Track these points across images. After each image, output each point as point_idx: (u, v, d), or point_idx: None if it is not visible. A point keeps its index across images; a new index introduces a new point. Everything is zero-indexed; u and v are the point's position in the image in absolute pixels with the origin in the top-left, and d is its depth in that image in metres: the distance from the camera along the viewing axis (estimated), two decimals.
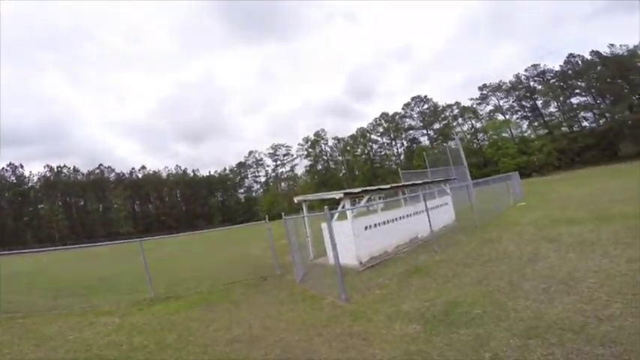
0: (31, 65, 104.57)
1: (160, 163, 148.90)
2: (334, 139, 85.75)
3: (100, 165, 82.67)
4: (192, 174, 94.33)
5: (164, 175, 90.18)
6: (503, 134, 62.94)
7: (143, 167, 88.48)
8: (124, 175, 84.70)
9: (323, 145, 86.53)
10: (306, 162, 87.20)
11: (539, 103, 63.92)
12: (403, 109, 78.83)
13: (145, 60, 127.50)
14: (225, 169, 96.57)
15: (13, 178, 70.73)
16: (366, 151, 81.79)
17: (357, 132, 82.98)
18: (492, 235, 8.97)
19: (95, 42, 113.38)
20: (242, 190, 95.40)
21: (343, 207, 8.31)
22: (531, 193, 20.60)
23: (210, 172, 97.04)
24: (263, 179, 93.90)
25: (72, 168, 78.95)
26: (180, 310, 6.37)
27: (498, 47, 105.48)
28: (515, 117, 66.94)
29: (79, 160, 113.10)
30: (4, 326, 6.14)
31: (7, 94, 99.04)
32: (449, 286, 5.43)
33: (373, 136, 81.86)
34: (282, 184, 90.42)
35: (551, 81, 62.29)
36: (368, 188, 9.41)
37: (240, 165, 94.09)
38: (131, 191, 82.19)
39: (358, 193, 8.76)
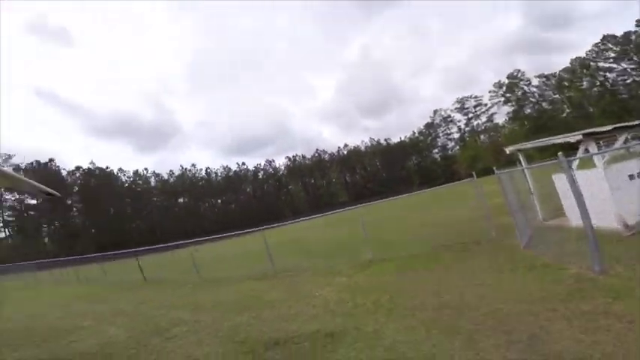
0: (246, 83, 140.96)
1: (356, 138, 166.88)
2: (539, 77, 69.15)
3: (317, 149, 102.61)
4: (385, 143, 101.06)
5: (362, 148, 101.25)
6: None
7: (346, 145, 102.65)
8: (333, 154, 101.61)
9: (525, 87, 71.34)
10: (507, 108, 75.10)
11: None
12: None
13: (309, 55, 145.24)
14: (414, 133, 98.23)
15: (271, 170, 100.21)
16: (597, 83, 61.84)
17: (572, 64, 64.43)
18: None
19: (274, 52, 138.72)
20: (436, 150, 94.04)
21: (586, 151, 6.20)
22: None
23: (400, 138, 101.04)
24: (456, 135, 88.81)
25: (301, 155, 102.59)
26: (393, 272, 6.82)
27: None
28: None
29: (303, 149, 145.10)
30: (283, 284, 7.85)
31: (251, 111, 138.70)
32: None
33: (602, 64, 61.04)
34: (481, 136, 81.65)
35: None
36: (624, 125, 6.49)
37: (429, 126, 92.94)
38: (341, 166, 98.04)
39: (608, 132, 6.22)
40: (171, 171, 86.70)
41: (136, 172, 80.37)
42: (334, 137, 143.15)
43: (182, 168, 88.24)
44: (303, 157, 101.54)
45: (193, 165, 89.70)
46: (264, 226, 11.83)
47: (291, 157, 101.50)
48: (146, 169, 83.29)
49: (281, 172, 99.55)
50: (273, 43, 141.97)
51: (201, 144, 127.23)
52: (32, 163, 64.30)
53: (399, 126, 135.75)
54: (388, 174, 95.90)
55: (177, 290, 9.81)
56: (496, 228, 8.07)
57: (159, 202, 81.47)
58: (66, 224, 66.28)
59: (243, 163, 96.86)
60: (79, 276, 17.64)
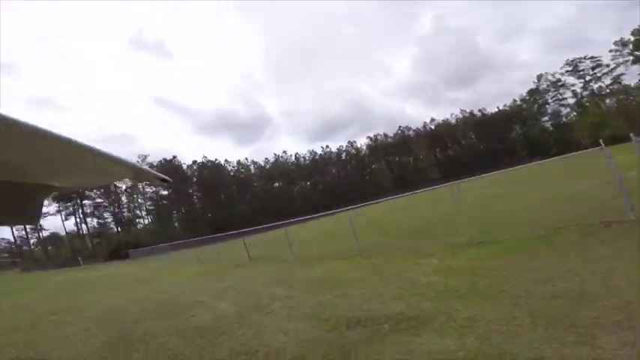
0: (324, 70, 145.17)
1: (444, 111, 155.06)
2: None
3: (400, 126, 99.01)
4: (479, 114, 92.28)
5: (452, 121, 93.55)
6: None
7: (432, 119, 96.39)
8: (419, 129, 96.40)
9: None
10: (637, 68, 62.28)
11: None
12: None
13: (383, 34, 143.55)
14: (515, 101, 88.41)
15: (353, 151, 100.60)
16: None
17: None
18: None
19: (348, 36, 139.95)
20: (545, 118, 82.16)
21: None
22: None
23: (498, 107, 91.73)
24: (571, 101, 76.77)
25: (382, 134, 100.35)
26: (495, 256, 6.08)
27: None
28: None
29: (386, 127, 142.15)
30: (370, 264, 7.89)
31: (331, 96, 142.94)
32: None
33: None
34: (606, 101, 68.59)
35: None
36: None
37: (533, 92, 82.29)
38: (430, 142, 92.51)
39: None
40: (266, 159, 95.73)
41: (238, 162, 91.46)
42: (418, 113, 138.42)
43: (275, 155, 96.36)
44: (385, 135, 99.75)
45: (284, 152, 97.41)
46: (351, 207, 11.97)
47: (372, 136, 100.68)
48: (246, 158, 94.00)
49: (363, 152, 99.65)
50: (346, 27, 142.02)
51: (290, 132, 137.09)
52: (160, 161, 79.27)
53: (494, 95, 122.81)
54: (486, 147, 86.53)
55: (276, 268, 10.81)
56: (635, 207, 6.44)
57: (258, 187, 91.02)
58: (189, 210, 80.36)
59: (327, 146, 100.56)
60: (199, 256, 20.96)
